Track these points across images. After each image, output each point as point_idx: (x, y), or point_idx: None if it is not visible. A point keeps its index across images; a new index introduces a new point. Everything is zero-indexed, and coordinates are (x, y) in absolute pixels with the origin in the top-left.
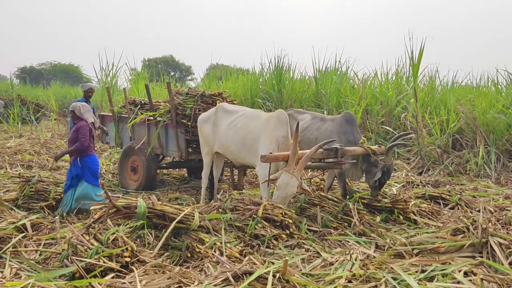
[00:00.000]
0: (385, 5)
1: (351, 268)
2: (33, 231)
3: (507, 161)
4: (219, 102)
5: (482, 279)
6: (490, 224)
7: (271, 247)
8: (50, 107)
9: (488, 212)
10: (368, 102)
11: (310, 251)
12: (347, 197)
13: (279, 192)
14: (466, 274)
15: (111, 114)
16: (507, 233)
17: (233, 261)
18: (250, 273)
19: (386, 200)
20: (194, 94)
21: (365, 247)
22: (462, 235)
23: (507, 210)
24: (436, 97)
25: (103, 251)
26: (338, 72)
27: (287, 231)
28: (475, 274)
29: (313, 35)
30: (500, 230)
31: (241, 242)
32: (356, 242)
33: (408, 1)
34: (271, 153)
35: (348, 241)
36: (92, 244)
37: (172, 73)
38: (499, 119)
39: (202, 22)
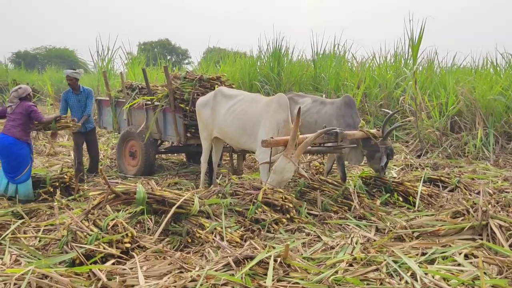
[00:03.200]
0: None
1: (352, 252)
2: (31, 218)
3: (505, 143)
4: (218, 86)
5: (483, 262)
6: (489, 206)
7: (272, 231)
8: (46, 92)
9: (487, 195)
10: (367, 85)
11: (311, 235)
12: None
13: (275, 175)
14: (466, 256)
15: (108, 98)
16: (507, 215)
17: (234, 246)
18: (251, 258)
19: (392, 179)
20: (192, 78)
21: (365, 230)
22: (462, 217)
23: (506, 192)
24: (435, 79)
25: (103, 237)
26: (337, 55)
27: (288, 216)
28: (475, 257)
29: (312, 21)
30: (499, 212)
31: (241, 227)
32: (357, 225)
33: None
34: (272, 137)
35: (348, 225)
36: (92, 230)
37: (169, 57)
38: (498, 101)
39: (199, 5)
